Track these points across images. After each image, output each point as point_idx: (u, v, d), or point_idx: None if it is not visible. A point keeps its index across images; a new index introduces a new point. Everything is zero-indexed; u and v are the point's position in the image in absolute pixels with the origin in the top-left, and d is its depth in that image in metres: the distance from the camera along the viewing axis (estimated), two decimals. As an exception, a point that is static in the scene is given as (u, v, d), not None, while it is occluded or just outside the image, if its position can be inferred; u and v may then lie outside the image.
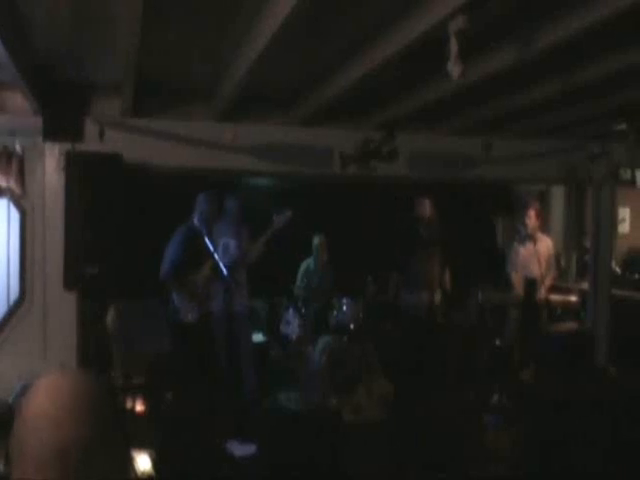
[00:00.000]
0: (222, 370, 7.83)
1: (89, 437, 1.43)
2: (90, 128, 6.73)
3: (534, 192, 11.19)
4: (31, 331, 6.78)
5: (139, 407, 6.88)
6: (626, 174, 8.80)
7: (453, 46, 3.88)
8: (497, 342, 8.89)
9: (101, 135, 6.74)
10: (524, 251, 9.03)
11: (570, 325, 8.96)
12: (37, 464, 1.43)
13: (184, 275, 7.47)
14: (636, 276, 10.14)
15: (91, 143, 6.70)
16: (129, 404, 6.82)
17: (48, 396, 1.49)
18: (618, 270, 10.23)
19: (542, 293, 8.85)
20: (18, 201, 6.75)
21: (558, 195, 11.38)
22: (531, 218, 8.96)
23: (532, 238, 8.95)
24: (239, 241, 8.08)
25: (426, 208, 8.60)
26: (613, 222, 9.57)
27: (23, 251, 6.81)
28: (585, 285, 9.73)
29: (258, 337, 9.45)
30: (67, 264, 6.47)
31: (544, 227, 9.67)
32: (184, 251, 7.49)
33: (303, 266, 10.32)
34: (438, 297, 8.66)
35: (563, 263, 10.89)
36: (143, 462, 5.09)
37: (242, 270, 8.07)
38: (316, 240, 10.18)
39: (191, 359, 7.25)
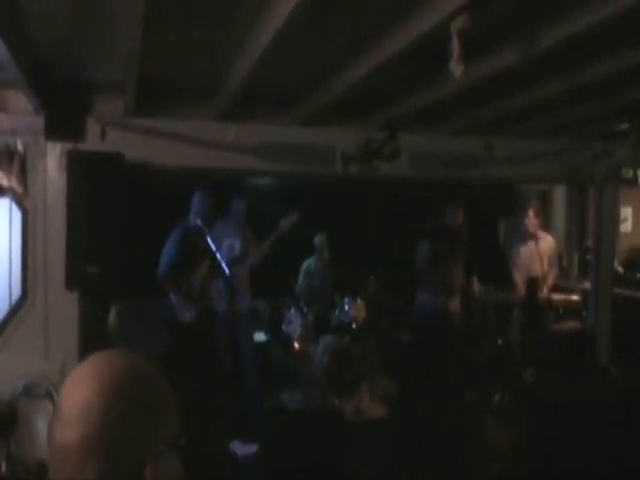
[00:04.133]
0: (224, 370, 7.84)
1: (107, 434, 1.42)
2: (92, 128, 6.73)
3: (536, 192, 11.19)
4: (33, 331, 6.77)
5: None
6: (628, 173, 8.78)
7: (455, 46, 3.87)
8: (499, 341, 8.89)
9: (103, 135, 6.74)
10: (526, 250, 9.04)
11: (572, 324, 8.93)
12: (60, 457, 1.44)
13: (181, 274, 7.50)
14: (638, 275, 10.14)
15: (93, 143, 6.70)
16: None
17: (68, 390, 1.49)
18: (620, 269, 10.23)
19: (544, 292, 8.85)
20: (20, 200, 6.74)
21: (560, 195, 11.38)
22: (530, 218, 8.98)
23: (533, 237, 8.96)
24: (244, 242, 8.09)
25: (459, 218, 8.60)
26: (615, 221, 9.57)
27: (25, 251, 6.80)
28: (587, 284, 9.73)
29: (260, 337, 9.46)
30: (69, 264, 6.46)
31: (546, 225, 9.67)
32: (181, 251, 7.51)
33: (305, 265, 10.32)
34: (455, 304, 8.57)
35: (565, 262, 10.89)
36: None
37: (245, 271, 8.08)
38: (318, 239, 10.19)
39: (191, 359, 7.25)
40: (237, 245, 8.13)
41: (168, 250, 7.58)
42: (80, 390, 1.45)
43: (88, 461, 1.40)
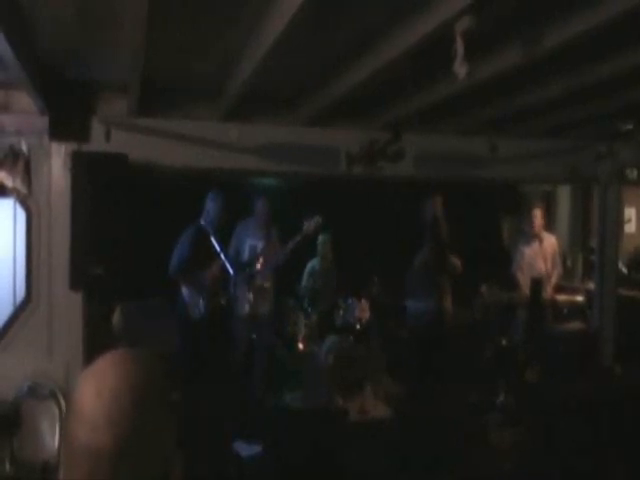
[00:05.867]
0: (232, 370, 7.85)
1: (125, 438, 1.39)
2: (96, 128, 6.74)
3: (540, 192, 11.20)
4: (37, 331, 6.78)
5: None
6: (632, 174, 8.78)
7: (459, 46, 3.87)
8: (503, 341, 8.88)
9: (107, 135, 6.75)
10: (529, 251, 9.05)
11: (576, 325, 8.95)
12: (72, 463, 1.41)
13: (192, 272, 7.51)
14: (642, 276, 10.14)
15: (97, 143, 6.71)
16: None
17: (92, 389, 1.44)
18: (624, 270, 10.22)
19: (548, 292, 8.86)
20: (24, 201, 6.75)
21: (564, 195, 11.38)
22: (537, 218, 8.98)
23: (537, 237, 8.97)
24: (267, 243, 8.08)
25: (439, 207, 8.50)
26: (619, 222, 9.56)
27: (29, 251, 6.81)
28: (591, 285, 9.73)
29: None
30: (73, 264, 6.47)
31: (548, 226, 9.67)
32: (192, 250, 7.53)
33: (309, 266, 10.32)
34: (448, 303, 8.54)
35: (569, 263, 10.89)
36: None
37: (268, 273, 8.08)
38: (320, 239, 10.17)
39: (199, 357, 7.27)
40: (259, 246, 8.12)
41: (180, 249, 7.60)
42: (105, 392, 1.41)
43: (121, 466, 1.37)
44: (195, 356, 7.24)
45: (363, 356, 8.53)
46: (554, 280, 9.09)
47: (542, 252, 9.00)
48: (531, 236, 9.07)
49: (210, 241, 7.52)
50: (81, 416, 1.41)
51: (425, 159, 7.92)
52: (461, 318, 9.36)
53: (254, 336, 8.23)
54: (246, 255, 8.07)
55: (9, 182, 6.58)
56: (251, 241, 8.12)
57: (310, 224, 7.99)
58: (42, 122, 6.52)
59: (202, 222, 7.62)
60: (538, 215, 9.05)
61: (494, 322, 9.39)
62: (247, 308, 7.89)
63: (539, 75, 5.80)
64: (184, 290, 7.58)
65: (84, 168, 6.50)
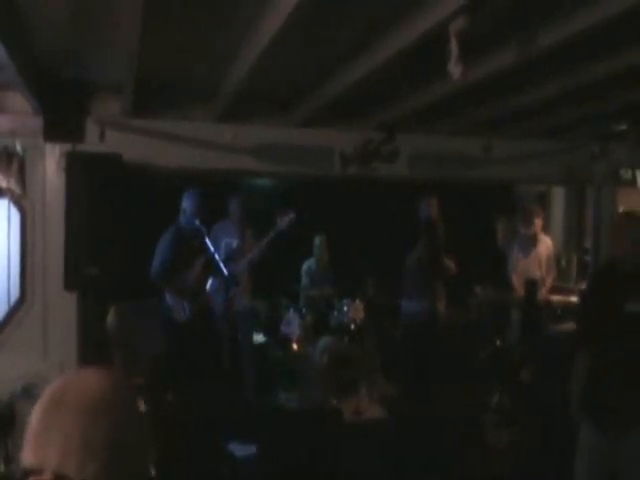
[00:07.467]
0: (222, 370, 7.83)
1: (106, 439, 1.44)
2: (91, 128, 6.74)
3: (535, 193, 11.19)
4: (31, 331, 6.77)
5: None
6: (626, 174, 8.79)
7: (454, 47, 3.88)
8: (497, 342, 8.88)
9: (102, 135, 6.74)
10: (525, 253, 9.04)
11: (570, 325, 8.94)
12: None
13: (174, 274, 7.47)
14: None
15: (92, 143, 6.70)
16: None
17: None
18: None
19: (543, 294, 8.85)
20: (18, 201, 6.74)
21: (558, 195, 11.37)
22: (531, 221, 8.97)
23: (534, 239, 8.96)
24: (242, 241, 8.08)
25: (435, 209, 8.46)
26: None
27: (23, 252, 6.80)
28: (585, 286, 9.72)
29: (258, 337, 9.44)
30: (67, 265, 6.46)
31: (543, 227, 9.67)
32: (174, 251, 7.47)
33: (305, 266, 10.31)
34: (442, 303, 8.50)
35: (563, 264, 10.88)
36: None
37: (244, 270, 8.07)
38: (317, 240, 10.17)
39: (189, 359, 7.25)
40: (234, 244, 8.12)
41: (161, 250, 7.55)
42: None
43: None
44: (183, 357, 7.22)
45: (358, 356, 8.53)
46: (549, 283, 9.09)
47: (537, 257, 9.00)
48: (527, 238, 9.06)
49: (192, 241, 7.48)
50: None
51: (419, 159, 7.92)
52: (456, 318, 9.36)
53: (239, 335, 8.21)
54: (222, 253, 8.05)
55: (3, 183, 6.57)
56: (226, 239, 8.12)
57: (284, 220, 7.97)
58: (36, 122, 6.52)
59: (182, 222, 7.57)
60: (533, 217, 9.04)
61: (488, 322, 9.39)
62: (223, 306, 7.88)
63: (534, 75, 5.81)
64: (167, 295, 7.54)
65: (78, 168, 6.49)
